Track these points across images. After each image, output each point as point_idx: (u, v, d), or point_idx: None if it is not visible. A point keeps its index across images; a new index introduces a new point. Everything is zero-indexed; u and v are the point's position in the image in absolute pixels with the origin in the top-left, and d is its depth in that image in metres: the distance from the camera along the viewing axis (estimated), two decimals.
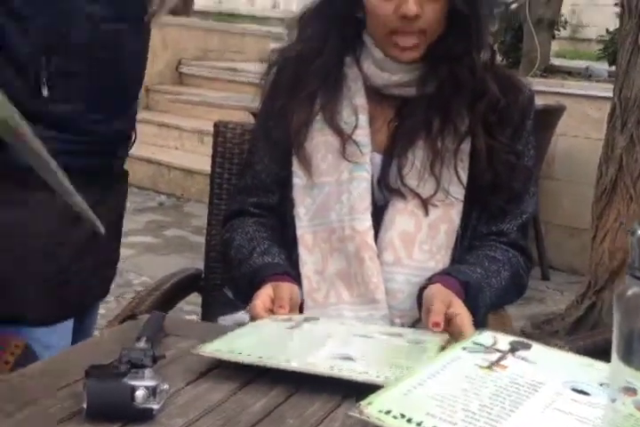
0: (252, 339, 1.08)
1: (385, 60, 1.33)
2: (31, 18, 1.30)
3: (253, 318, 1.19)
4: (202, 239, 1.74)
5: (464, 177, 1.32)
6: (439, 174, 1.31)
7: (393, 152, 1.34)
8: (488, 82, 1.33)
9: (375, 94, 1.37)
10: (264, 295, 1.21)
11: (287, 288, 1.24)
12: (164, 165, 5.26)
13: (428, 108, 1.33)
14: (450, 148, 1.32)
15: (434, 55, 1.32)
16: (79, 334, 1.45)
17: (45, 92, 1.31)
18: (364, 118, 1.34)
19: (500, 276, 1.31)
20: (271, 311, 1.19)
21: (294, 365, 0.96)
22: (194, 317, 2.34)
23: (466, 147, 1.33)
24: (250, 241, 1.36)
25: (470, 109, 1.33)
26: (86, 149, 1.37)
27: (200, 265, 1.68)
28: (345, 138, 1.32)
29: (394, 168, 1.33)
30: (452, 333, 1.12)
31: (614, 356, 0.70)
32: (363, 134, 1.34)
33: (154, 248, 4.13)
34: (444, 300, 1.17)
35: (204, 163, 5.22)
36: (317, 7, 1.37)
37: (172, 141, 5.72)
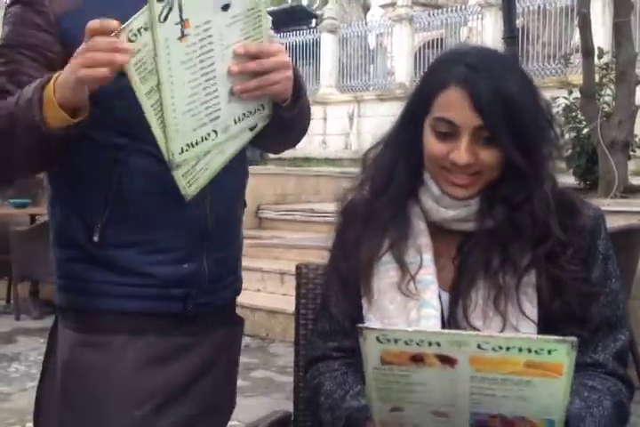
0: None
1: (442, 196, 1.31)
2: None
3: None
4: (287, 379, 1.72)
5: (531, 311, 1.26)
6: (504, 311, 1.26)
7: (458, 290, 1.30)
8: (551, 226, 1.28)
9: (438, 231, 1.35)
10: None
11: None
12: (248, 307, 5.30)
13: (489, 244, 1.30)
14: (512, 283, 1.27)
15: (491, 196, 1.29)
16: None
17: (96, 238, 1.36)
18: (428, 258, 1.32)
19: (603, 405, 1.24)
20: None
21: None
22: None
23: (528, 279, 1.28)
24: (340, 385, 1.34)
25: (532, 248, 1.28)
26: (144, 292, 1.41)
27: (287, 405, 1.65)
28: (410, 277, 1.31)
29: (460, 307, 1.29)
30: None
31: None
32: (427, 273, 1.31)
33: (242, 390, 4.09)
34: None
35: (285, 302, 5.25)
36: (386, 139, 1.39)
37: (255, 284, 5.78)
